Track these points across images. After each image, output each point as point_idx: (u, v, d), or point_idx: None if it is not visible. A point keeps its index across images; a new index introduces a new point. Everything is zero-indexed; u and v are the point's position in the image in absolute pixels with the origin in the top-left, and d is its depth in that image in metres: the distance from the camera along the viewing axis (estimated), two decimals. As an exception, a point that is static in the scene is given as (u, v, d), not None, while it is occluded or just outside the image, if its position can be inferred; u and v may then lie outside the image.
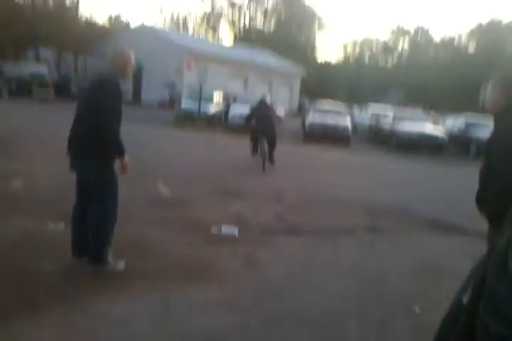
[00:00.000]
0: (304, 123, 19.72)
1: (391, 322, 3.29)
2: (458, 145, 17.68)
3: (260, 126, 10.00)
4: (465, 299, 1.11)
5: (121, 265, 3.64)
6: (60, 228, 4.43)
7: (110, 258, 3.56)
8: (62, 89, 24.79)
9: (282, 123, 23.75)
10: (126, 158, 3.49)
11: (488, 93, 2.46)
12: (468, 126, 17.96)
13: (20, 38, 28.40)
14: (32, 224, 4.53)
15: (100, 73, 3.50)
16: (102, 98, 3.24)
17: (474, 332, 0.97)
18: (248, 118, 10.64)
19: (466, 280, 1.15)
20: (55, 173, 6.99)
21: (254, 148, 10.36)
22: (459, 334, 1.08)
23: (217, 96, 21.31)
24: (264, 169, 9.39)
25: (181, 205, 5.90)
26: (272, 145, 9.89)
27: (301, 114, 25.50)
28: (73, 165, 3.47)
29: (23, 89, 22.68)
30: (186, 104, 19.79)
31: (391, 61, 65.43)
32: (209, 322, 3.02)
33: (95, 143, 3.26)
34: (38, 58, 31.07)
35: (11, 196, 5.52)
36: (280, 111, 23.12)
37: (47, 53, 32.75)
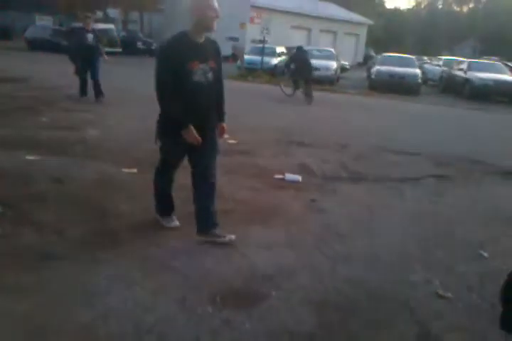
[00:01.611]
0: (369, 72, 18.99)
1: (458, 266, 3.26)
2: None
3: (298, 71, 11.92)
4: None
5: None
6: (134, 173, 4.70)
7: (164, 219, 3.55)
8: (128, 46, 25.87)
9: (346, 72, 23.11)
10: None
11: None
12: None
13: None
14: (109, 168, 4.82)
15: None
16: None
17: None
18: (286, 65, 12.79)
19: None
20: (130, 122, 7.31)
21: (296, 87, 12.30)
22: None
23: (280, 49, 21.36)
24: (309, 102, 11.43)
25: (245, 153, 6.00)
26: (308, 85, 11.85)
27: (367, 64, 24.58)
28: None
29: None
30: (249, 57, 19.85)
31: (466, 8, 60.60)
32: (276, 259, 3.14)
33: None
34: (107, 19, 32.18)
35: (90, 143, 5.85)
36: (344, 61, 22.58)
37: (114, 13, 33.93)
